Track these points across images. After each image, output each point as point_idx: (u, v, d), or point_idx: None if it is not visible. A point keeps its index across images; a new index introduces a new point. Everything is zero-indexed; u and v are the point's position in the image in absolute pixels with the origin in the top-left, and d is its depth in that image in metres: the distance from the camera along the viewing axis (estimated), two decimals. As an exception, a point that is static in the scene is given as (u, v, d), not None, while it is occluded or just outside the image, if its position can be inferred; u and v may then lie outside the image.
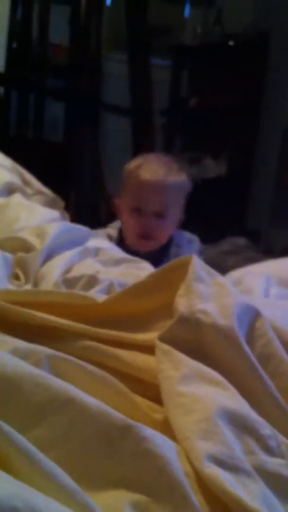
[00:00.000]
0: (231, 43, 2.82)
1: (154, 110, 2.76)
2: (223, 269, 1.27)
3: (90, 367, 0.62)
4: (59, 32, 2.82)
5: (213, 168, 2.89)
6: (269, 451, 0.55)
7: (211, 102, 2.81)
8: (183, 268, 0.73)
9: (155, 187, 1.42)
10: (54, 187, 1.55)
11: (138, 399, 0.63)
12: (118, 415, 0.52)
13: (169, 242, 1.53)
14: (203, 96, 2.86)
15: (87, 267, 0.98)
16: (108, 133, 2.91)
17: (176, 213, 1.49)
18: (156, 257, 1.46)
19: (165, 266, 0.76)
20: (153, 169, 1.45)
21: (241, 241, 2.36)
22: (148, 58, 2.68)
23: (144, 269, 1.02)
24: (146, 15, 2.69)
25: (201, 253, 1.61)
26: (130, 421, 0.52)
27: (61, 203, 1.47)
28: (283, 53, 2.82)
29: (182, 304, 0.68)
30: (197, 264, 0.73)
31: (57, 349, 0.64)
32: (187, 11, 3.18)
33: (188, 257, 0.74)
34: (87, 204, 2.73)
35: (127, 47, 2.65)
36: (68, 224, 1.17)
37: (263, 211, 2.97)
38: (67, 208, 1.53)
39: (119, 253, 1.14)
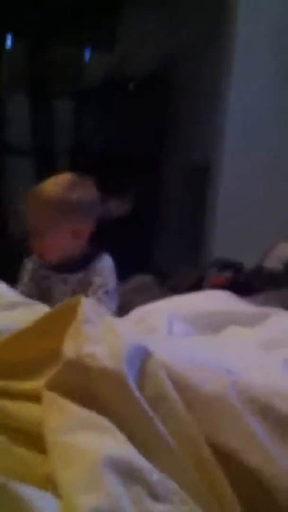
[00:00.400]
0: (131, 86, 2.88)
1: (58, 151, 2.76)
2: (129, 307, 1.26)
3: None
4: None
5: (118, 208, 2.90)
6: (156, 498, 0.53)
7: (113, 144, 2.84)
8: (72, 309, 0.71)
9: (30, 201, 1.44)
10: None
11: (24, 452, 0.59)
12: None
13: (84, 256, 1.52)
14: (106, 137, 2.88)
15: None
16: (12, 174, 2.87)
17: (65, 229, 1.47)
18: (72, 270, 1.44)
19: (53, 309, 0.73)
20: (44, 185, 1.46)
21: (147, 278, 2.38)
22: (49, 99, 2.69)
23: (39, 312, 0.98)
24: (48, 57, 2.71)
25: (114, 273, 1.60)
26: (3, 480, 0.48)
27: None
28: (183, 97, 2.92)
29: (69, 348, 0.65)
30: (86, 305, 0.71)
31: None
32: (88, 54, 3.22)
33: (77, 298, 0.72)
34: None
35: (28, 88, 2.66)
36: None
37: (168, 250, 3.01)
38: None
39: (13, 297, 1.10)
